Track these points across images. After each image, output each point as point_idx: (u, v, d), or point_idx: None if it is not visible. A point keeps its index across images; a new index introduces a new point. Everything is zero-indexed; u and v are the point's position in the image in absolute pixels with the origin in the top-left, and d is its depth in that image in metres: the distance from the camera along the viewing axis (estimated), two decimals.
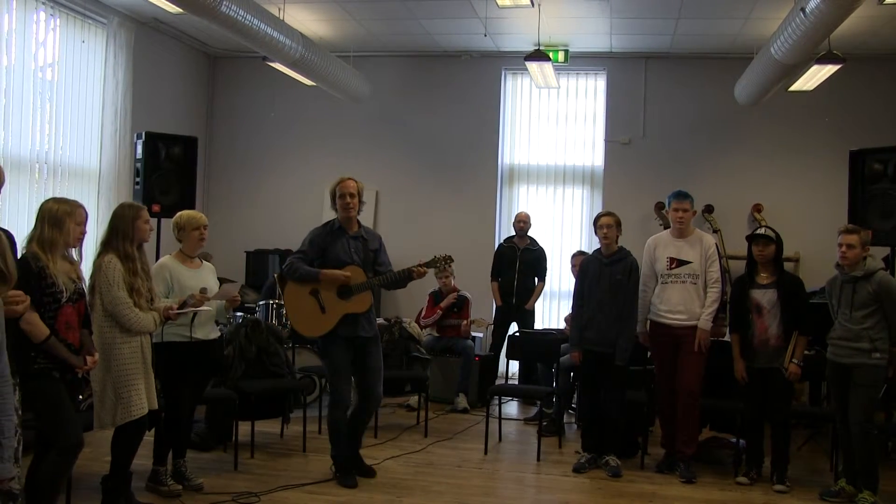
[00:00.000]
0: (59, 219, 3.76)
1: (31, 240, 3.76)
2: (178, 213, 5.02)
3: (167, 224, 6.49)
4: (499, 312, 8.07)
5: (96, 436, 4.31)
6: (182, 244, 4.93)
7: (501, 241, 8.21)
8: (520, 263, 7.88)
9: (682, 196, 5.64)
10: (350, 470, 5.13)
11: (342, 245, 5.12)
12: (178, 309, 4.49)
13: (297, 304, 5.10)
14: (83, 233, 3.90)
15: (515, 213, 8.36)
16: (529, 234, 8.07)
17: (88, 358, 3.87)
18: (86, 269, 4.15)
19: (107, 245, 4.24)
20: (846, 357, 4.95)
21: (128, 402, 4.12)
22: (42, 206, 3.85)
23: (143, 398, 4.18)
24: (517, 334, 7.08)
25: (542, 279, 8.05)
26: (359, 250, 5.14)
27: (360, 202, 5.18)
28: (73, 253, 3.93)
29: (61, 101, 7.57)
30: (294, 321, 5.21)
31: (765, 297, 5.32)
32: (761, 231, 5.43)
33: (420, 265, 5.13)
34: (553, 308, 9.42)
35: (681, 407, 5.50)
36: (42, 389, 3.56)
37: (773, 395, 5.30)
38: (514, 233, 8.11)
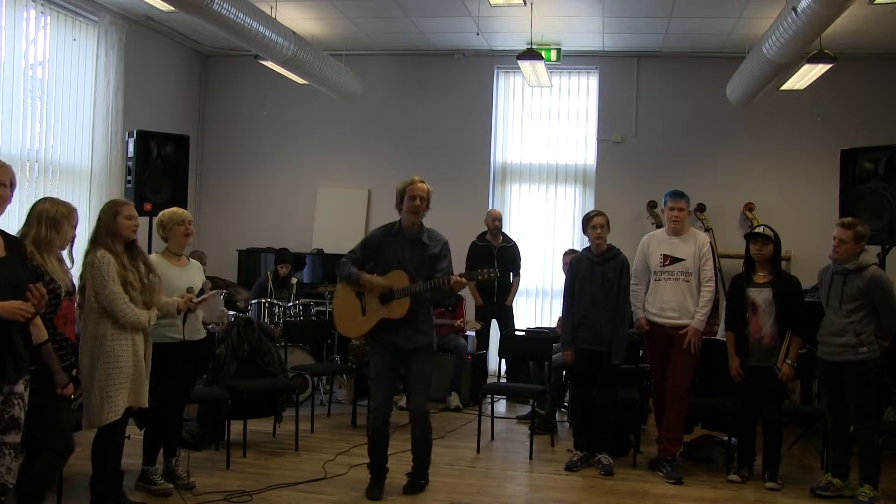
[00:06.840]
0: (57, 220, 3.77)
1: (23, 238, 3.73)
2: (160, 213, 5.01)
3: None
4: (479, 311, 8.09)
5: (88, 435, 4.29)
6: (168, 242, 4.91)
7: (474, 239, 8.20)
8: (497, 262, 7.89)
9: (678, 195, 5.64)
10: (376, 480, 4.94)
11: (397, 248, 4.92)
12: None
13: (343, 302, 5.03)
14: (74, 236, 3.91)
15: (487, 211, 8.43)
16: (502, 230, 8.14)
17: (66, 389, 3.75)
18: (74, 270, 4.11)
19: (95, 242, 4.25)
20: (834, 355, 4.97)
21: (112, 404, 4.09)
22: (37, 205, 3.85)
23: (124, 400, 4.15)
24: (508, 333, 7.07)
25: (518, 274, 8.15)
26: (414, 255, 4.90)
27: (427, 207, 4.93)
28: (66, 255, 3.92)
29: (52, 100, 7.53)
30: (335, 318, 5.16)
31: (760, 295, 5.33)
32: (760, 230, 5.44)
33: (459, 276, 4.82)
34: (545, 307, 9.44)
35: (669, 406, 5.52)
36: (34, 391, 3.54)
37: (766, 394, 5.31)
38: (485, 230, 8.15)
